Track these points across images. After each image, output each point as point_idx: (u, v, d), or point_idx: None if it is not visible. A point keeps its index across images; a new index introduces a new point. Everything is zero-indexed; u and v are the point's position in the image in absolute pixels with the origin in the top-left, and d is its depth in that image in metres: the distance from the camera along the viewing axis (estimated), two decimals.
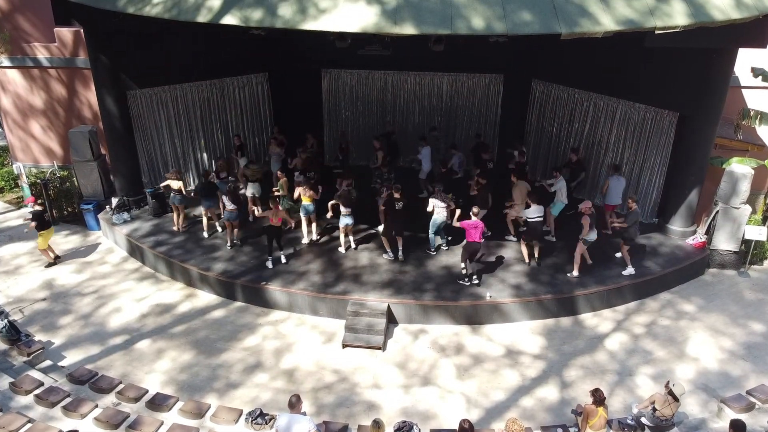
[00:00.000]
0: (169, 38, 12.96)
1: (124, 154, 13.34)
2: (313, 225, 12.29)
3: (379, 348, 9.84)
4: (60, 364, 9.47)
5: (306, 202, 11.80)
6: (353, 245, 11.96)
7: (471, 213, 10.35)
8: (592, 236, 10.80)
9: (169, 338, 10.18)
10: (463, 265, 10.78)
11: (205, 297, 11.31)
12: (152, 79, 13.32)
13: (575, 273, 11.04)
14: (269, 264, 11.31)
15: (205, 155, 14.71)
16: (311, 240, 12.26)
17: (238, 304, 11.10)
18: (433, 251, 11.78)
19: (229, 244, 12.00)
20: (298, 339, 10.17)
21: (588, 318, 10.74)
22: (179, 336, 10.23)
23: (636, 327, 10.49)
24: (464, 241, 10.58)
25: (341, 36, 10.35)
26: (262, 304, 10.94)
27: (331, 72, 15.64)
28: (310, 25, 8.39)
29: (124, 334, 10.27)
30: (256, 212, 11.88)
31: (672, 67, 11.59)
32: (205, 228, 12.52)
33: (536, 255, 11.45)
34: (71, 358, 9.68)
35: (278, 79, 15.66)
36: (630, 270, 11.10)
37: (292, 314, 10.80)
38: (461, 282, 10.76)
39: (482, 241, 10.55)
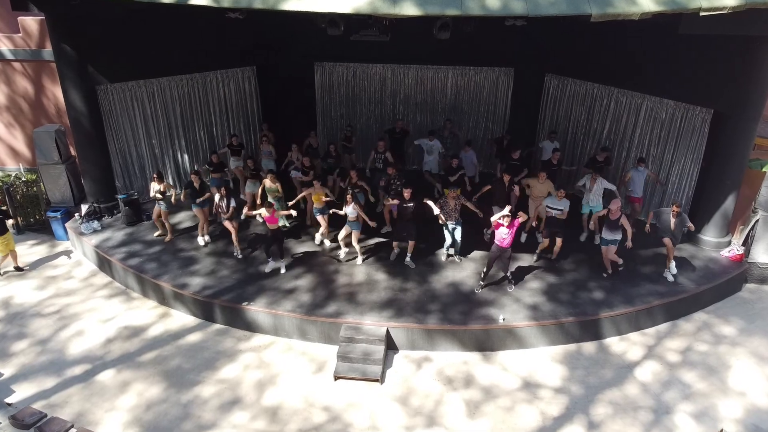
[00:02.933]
0: (144, 27, 11.64)
1: (95, 155, 12.01)
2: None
3: (377, 380, 8.55)
4: (6, 400, 8.15)
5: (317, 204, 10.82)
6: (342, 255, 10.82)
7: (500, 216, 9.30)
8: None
9: (136, 368, 8.88)
10: (485, 269, 9.82)
11: (180, 318, 10.01)
12: (125, 72, 11.99)
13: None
14: (268, 269, 10.40)
15: (186, 156, 13.37)
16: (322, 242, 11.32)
17: (217, 326, 9.80)
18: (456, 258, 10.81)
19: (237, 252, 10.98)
20: (283, 368, 8.88)
21: (614, 343, 9.44)
22: (148, 365, 8.93)
23: (670, 353, 9.20)
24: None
25: (332, 21, 9.10)
26: (244, 326, 9.64)
27: (324, 65, 14.31)
28: (293, 5, 7.09)
29: (85, 363, 8.97)
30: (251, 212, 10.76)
31: (706, 57, 10.26)
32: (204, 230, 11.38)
33: (553, 255, 10.50)
34: (21, 392, 8.40)
35: (267, 73, 14.33)
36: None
37: (278, 339, 9.50)
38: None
39: (505, 247, 9.41)
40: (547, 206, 10.19)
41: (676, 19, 9.35)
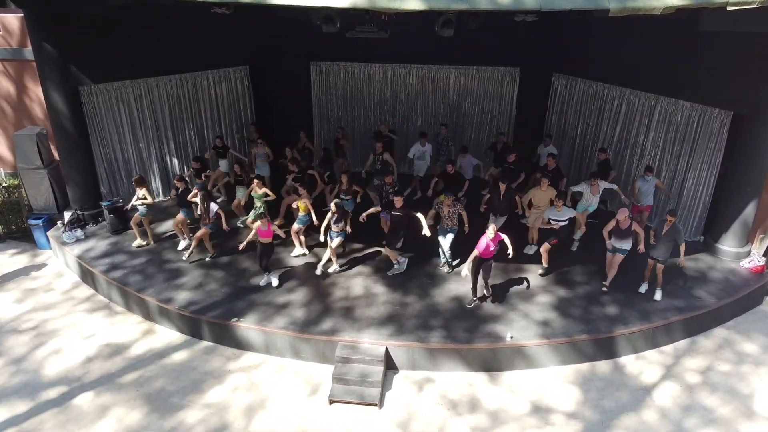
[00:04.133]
0: (129, 25, 11.04)
1: (78, 160, 11.39)
2: (302, 238, 10.51)
3: (375, 405, 7.92)
4: None
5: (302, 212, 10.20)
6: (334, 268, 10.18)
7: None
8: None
9: (116, 390, 8.25)
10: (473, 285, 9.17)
11: (165, 334, 9.38)
12: (110, 72, 11.36)
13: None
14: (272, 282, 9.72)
15: (175, 160, 12.72)
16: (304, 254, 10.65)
17: (205, 343, 9.17)
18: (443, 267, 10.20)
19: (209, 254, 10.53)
20: (275, 391, 8.24)
21: (630, 362, 8.81)
22: (129, 387, 8.29)
23: (689, 374, 8.58)
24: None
25: (328, 17, 8.48)
26: (234, 344, 9.01)
27: (321, 65, 13.67)
28: None
29: (61, 385, 8.34)
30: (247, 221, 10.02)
31: (726, 56, 9.63)
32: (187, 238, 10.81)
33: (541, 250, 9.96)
34: None
35: (261, 73, 13.70)
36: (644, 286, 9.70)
37: (270, 357, 8.87)
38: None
39: (491, 256, 8.81)
40: (550, 219, 9.55)
41: (696, 15, 8.77)
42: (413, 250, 10.35)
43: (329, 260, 10.09)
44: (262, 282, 9.72)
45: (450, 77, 13.59)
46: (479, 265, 8.91)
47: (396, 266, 10.05)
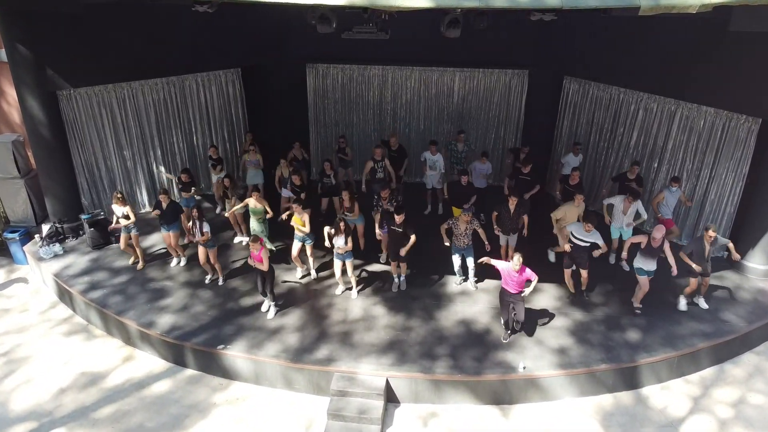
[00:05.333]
0: (111, 25, 10.30)
1: (57, 169, 10.65)
2: (311, 261, 9.69)
3: None
4: None
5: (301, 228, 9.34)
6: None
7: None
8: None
9: (90, 426, 7.49)
10: (502, 320, 8.37)
11: (146, 362, 8.62)
12: (90, 75, 10.60)
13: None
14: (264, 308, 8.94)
15: (162, 169, 11.96)
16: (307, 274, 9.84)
17: (189, 372, 8.41)
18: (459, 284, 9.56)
19: (212, 277, 9.72)
20: (264, 426, 7.49)
21: (654, 393, 8.05)
22: (104, 423, 7.54)
23: (719, 407, 7.82)
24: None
25: (323, 17, 7.73)
26: (221, 373, 8.25)
27: (317, 67, 12.90)
28: None
29: (30, 420, 7.59)
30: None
31: (755, 59, 8.88)
32: (181, 253, 10.06)
33: (583, 286, 9.07)
34: None
35: (253, 76, 12.94)
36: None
37: (260, 388, 8.11)
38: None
39: (517, 292, 7.96)
40: (572, 233, 8.76)
41: (727, 15, 8.02)
42: (417, 267, 9.63)
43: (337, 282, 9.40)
44: (267, 310, 8.93)
45: (454, 80, 12.82)
46: (505, 298, 8.11)
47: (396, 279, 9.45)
